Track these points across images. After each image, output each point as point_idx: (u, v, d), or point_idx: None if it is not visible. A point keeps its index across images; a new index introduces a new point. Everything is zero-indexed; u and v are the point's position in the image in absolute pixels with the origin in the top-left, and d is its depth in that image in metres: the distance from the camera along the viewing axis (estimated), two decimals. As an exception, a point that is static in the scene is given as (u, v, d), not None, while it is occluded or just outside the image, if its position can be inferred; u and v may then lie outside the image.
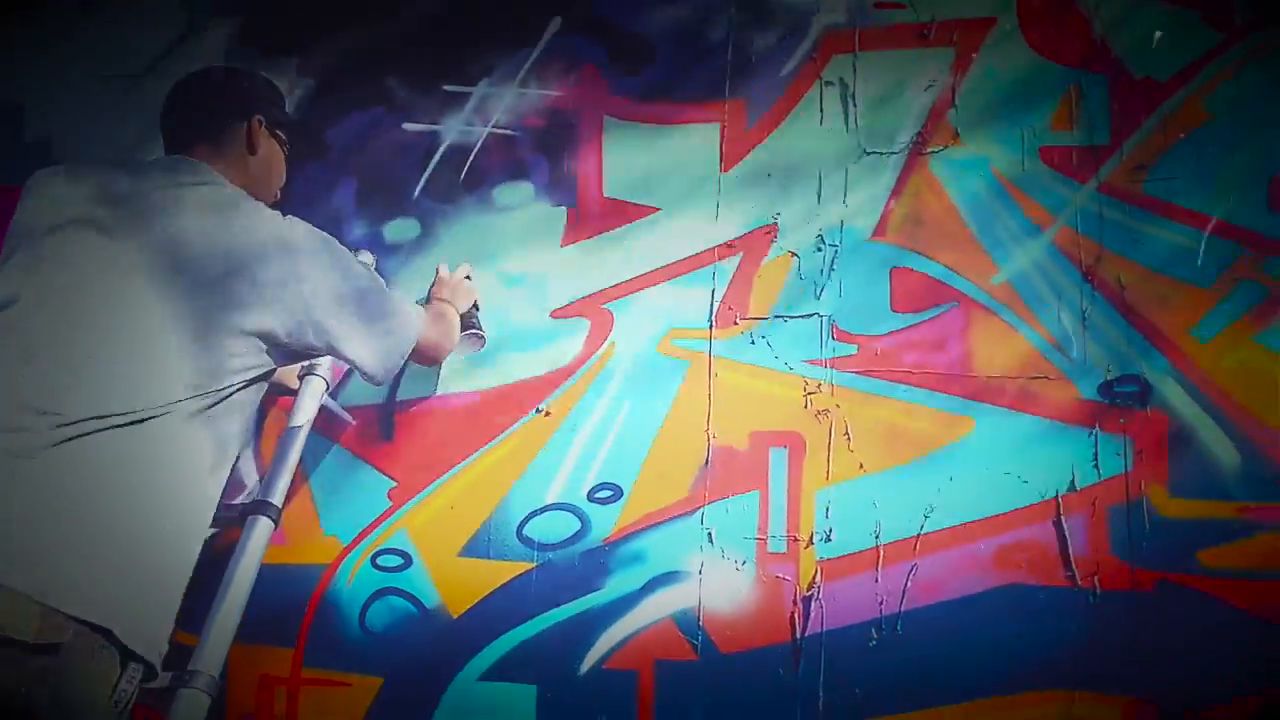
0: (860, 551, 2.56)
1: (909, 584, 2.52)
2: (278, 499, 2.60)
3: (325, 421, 2.92)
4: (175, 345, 2.07)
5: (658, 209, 2.90)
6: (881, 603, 2.51)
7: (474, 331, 2.79)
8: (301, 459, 2.86)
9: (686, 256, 2.84)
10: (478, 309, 2.85)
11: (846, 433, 2.63)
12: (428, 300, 2.76)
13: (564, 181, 2.98)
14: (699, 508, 2.66)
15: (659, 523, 2.68)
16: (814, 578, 2.57)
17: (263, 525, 2.54)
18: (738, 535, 2.63)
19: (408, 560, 2.80)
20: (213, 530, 2.27)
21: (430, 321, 2.49)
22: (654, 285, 2.85)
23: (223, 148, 2.38)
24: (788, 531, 2.61)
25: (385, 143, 3.13)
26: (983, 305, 2.65)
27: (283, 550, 2.87)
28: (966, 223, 2.72)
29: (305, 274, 2.21)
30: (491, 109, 3.08)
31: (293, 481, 2.83)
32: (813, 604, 2.55)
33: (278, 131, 2.48)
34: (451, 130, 3.10)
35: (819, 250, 2.77)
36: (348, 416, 2.87)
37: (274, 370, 2.24)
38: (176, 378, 2.06)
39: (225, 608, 2.43)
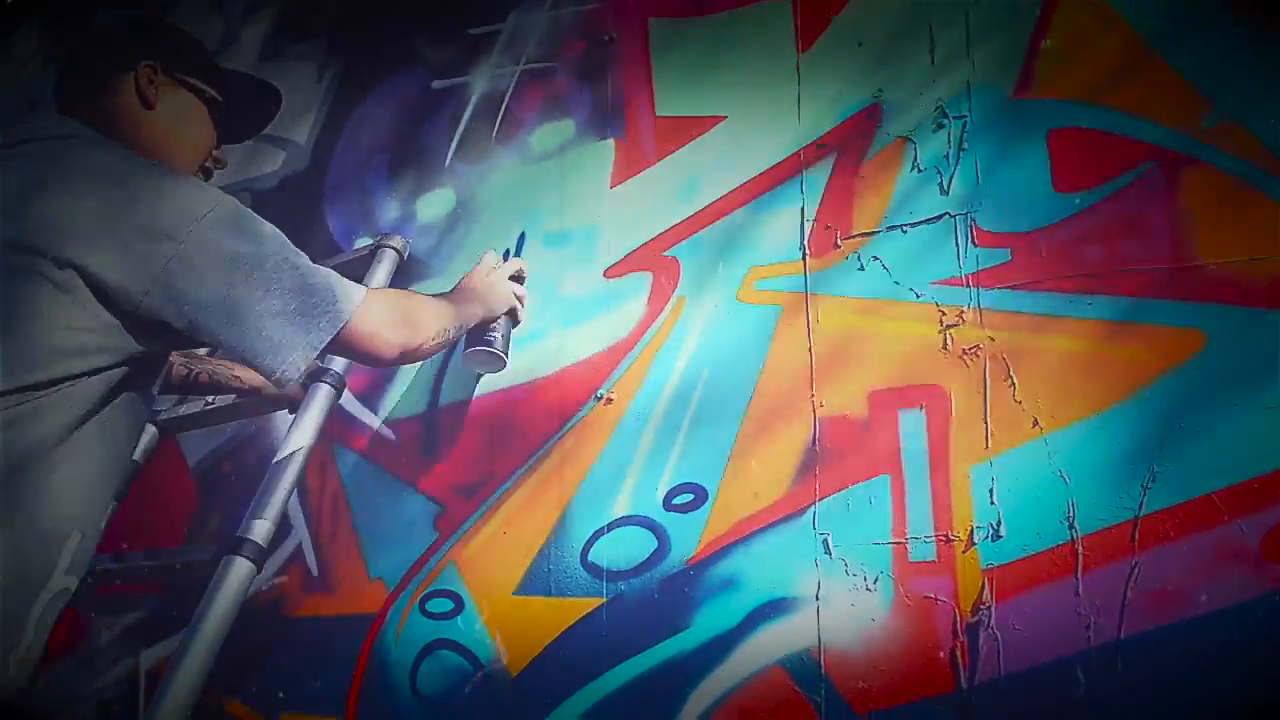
0: (1047, 550, 1.47)
1: (1129, 595, 1.42)
2: (260, 535, 1.80)
3: (368, 439, 2.14)
4: None
5: (723, 117, 1.93)
6: (1089, 627, 1.43)
7: (485, 348, 1.88)
8: (344, 486, 2.09)
9: (762, 171, 1.84)
10: (514, 321, 1.94)
11: (1009, 377, 1.57)
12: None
13: (610, 109, 2.06)
14: (808, 506, 1.64)
15: (757, 531, 1.67)
16: (981, 595, 1.51)
17: (238, 569, 1.74)
18: (865, 541, 1.59)
19: (459, 604, 1.93)
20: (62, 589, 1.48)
21: (374, 305, 1.56)
22: (724, 215, 1.85)
23: (107, 105, 1.63)
24: (936, 530, 1.55)
25: (415, 108, 2.33)
26: (1196, 160, 1.52)
27: (328, 599, 2.09)
28: (1152, 46, 1.62)
29: (177, 229, 1.41)
30: (522, 44, 2.20)
31: (335, 516, 2.07)
32: (982, 635, 1.50)
33: (192, 81, 1.70)
34: (481, 77, 2.25)
35: (941, 128, 1.70)
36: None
37: (132, 362, 1.41)
38: None
39: (181, 670, 1.65)
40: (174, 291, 1.37)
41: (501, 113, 2.14)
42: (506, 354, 1.93)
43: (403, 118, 2.29)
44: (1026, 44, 1.66)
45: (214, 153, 1.73)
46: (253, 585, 1.80)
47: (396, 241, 2.13)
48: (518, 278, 1.98)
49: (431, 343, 1.69)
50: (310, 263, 1.52)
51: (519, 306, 1.95)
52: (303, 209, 2.37)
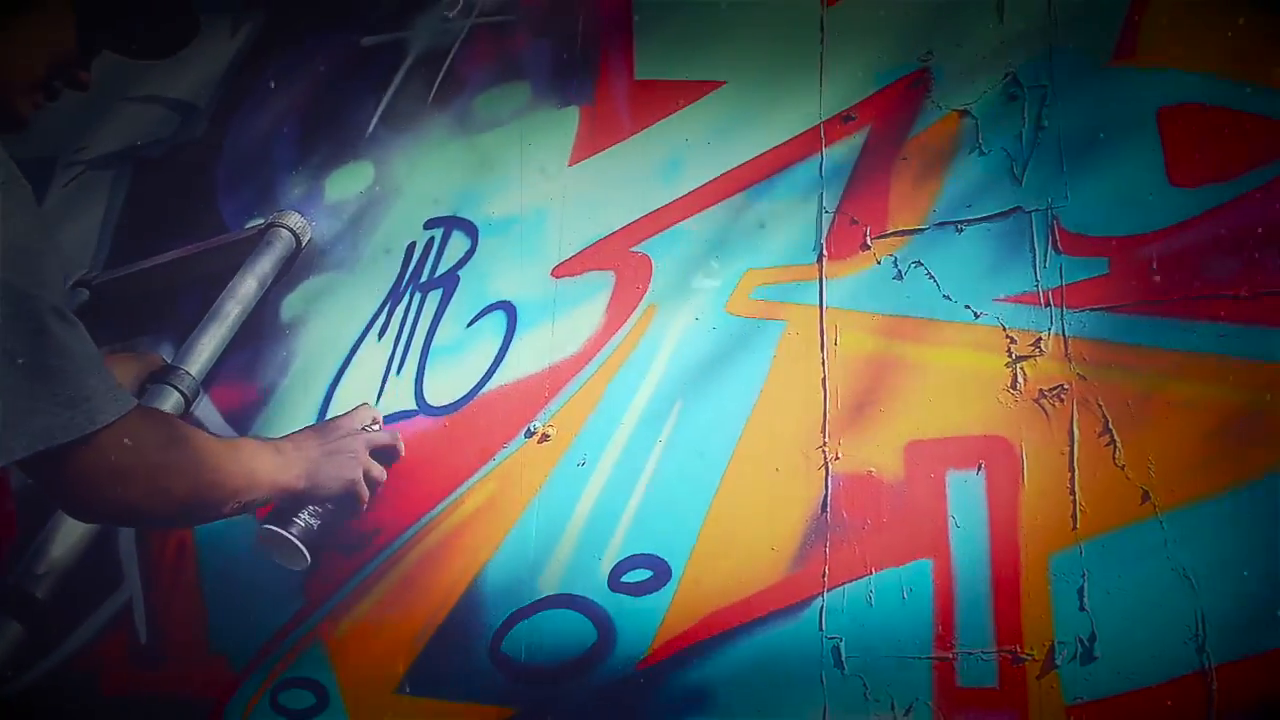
0: (1164, 682, 1.00)
1: (1294, 758, 0.98)
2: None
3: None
4: None
5: (720, 82, 1.47)
6: (1233, 804, 0.99)
7: (281, 531, 1.33)
8: (196, 540, 1.58)
9: (771, 148, 1.37)
10: (352, 511, 1.38)
11: (1108, 431, 1.09)
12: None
13: (575, 69, 1.59)
14: (813, 597, 1.15)
15: (739, 626, 1.17)
16: (1065, 743, 1.06)
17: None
18: (893, 652, 1.10)
19: (322, 698, 1.39)
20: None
21: (139, 430, 1.10)
22: (715, 203, 1.38)
23: None
24: (998, 643, 1.06)
25: (339, 68, 1.87)
26: (1371, 155, 1.12)
27: (154, 676, 1.56)
28: (1306, 9, 1.21)
29: None
30: (477, -6, 1.77)
31: (179, 566, 1.56)
32: (1067, 804, 1.04)
33: None
34: (423, 32, 1.80)
35: (1014, 99, 1.25)
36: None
37: None
38: None
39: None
40: None
41: (443, 72, 1.69)
42: (309, 550, 1.35)
43: (323, 79, 1.83)
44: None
45: (74, 69, 1.23)
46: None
47: (292, 220, 1.66)
48: (387, 453, 1.42)
49: (182, 510, 1.20)
50: (85, 336, 1.07)
51: (362, 495, 1.37)
52: (192, 184, 1.89)
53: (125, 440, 1.09)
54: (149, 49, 1.38)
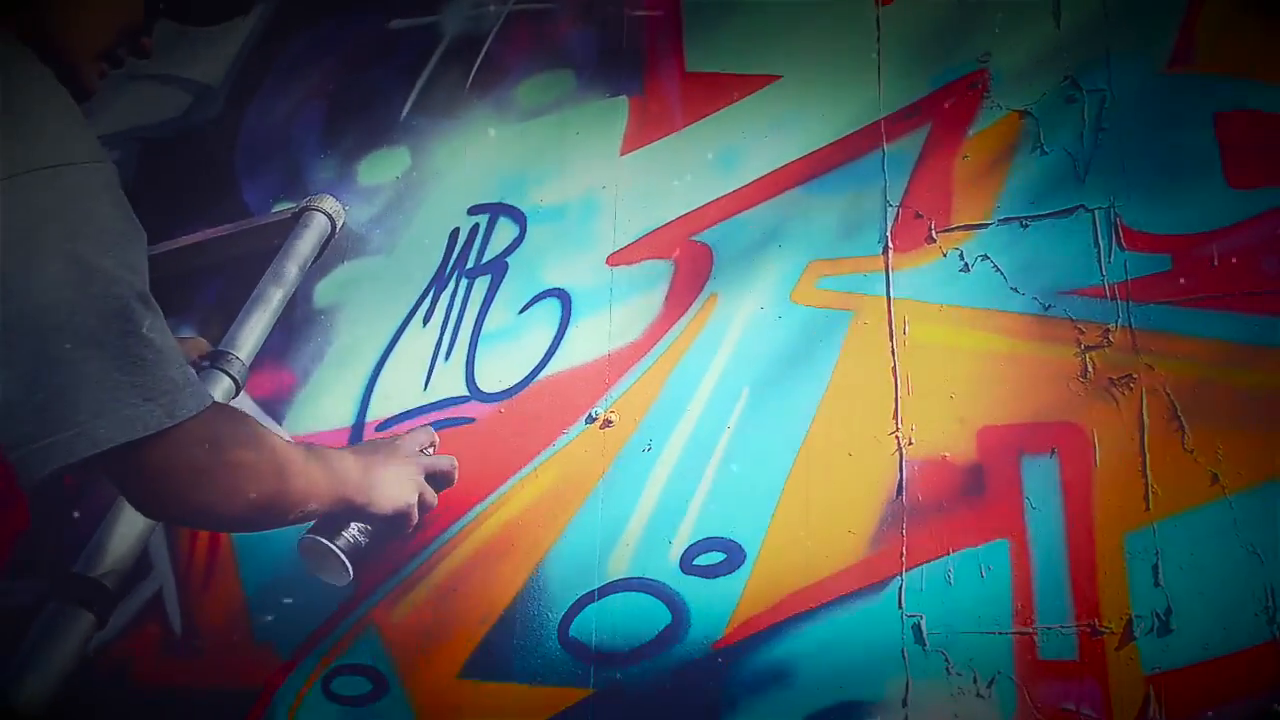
0: (1237, 652, 1.06)
1: (1366, 723, 1.05)
2: (108, 577, 1.28)
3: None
4: None
5: (776, 77, 1.52)
6: (1312, 766, 1.06)
7: (327, 542, 1.30)
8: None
9: (831, 142, 1.42)
10: (399, 531, 1.36)
11: (1176, 417, 1.15)
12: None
13: (623, 60, 1.61)
14: (892, 577, 1.19)
15: (817, 608, 1.21)
16: (1145, 710, 1.06)
17: (71, 622, 1.21)
18: (974, 628, 1.14)
19: (380, 685, 1.41)
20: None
21: (223, 422, 1.09)
22: (777, 195, 1.43)
23: None
24: (1077, 618, 1.11)
25: (365, 50, 1.86)
26: None
27: (194, 667, 1.54)
28: (1353, 21, 1.29)
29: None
30: (513, -22, 1.78)
31: (213, 556, 1.54)
32: (1153, 770, 1.10)
33: None
34: (455, 17, 1.80)
35: (1072, 101, 1.33)
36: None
37: None
38: None
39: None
40: None
41: (480, 57, 1.69)
42: (351, 568, 1.32)
43: (348, 61, 1.81)
44: (1184, 6, 1.32)
45: (138, 36, 1.21)
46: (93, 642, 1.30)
47: (328, 204, 1.64)
48: (441, 479, 1.40)
49: (252, 514, 1.16)
50: (166, 326, 1.05)
51: (413, 519, 1.35)
52: (208, 166, 1.85)
53: (203, 437, 1.07)
54: (205, 15, 1.37)
